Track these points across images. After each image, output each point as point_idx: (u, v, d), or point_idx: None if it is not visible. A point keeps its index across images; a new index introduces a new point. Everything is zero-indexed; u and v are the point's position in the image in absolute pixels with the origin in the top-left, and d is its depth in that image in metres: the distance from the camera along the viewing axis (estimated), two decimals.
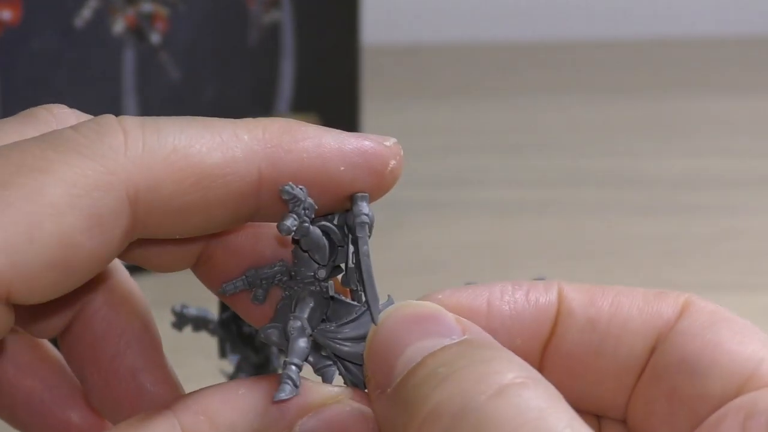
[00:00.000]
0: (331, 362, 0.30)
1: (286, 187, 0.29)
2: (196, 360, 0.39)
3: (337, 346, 0.30)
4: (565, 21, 1.39)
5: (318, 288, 0.30)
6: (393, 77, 1.22)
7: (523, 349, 0.29)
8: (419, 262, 0.75)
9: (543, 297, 0.31)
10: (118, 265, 0.35)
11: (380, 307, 0.30)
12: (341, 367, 0.30)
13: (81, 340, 0.35)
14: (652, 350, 0.30)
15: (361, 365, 0.30)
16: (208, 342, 0.47)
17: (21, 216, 0.26)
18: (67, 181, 0.27)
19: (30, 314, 0.34)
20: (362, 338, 0.30)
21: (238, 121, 0.30)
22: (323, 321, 0.30)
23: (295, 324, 0.30)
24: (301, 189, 0.29)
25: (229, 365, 0.46)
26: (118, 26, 0.74)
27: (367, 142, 0.30)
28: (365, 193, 0.30)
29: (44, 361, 0.35)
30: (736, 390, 0.28)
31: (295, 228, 0.29)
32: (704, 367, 0.29)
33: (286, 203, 0.29)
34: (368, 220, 0.30)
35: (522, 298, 0.31)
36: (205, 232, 0.31)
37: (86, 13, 0.73)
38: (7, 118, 0.32)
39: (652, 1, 1.40)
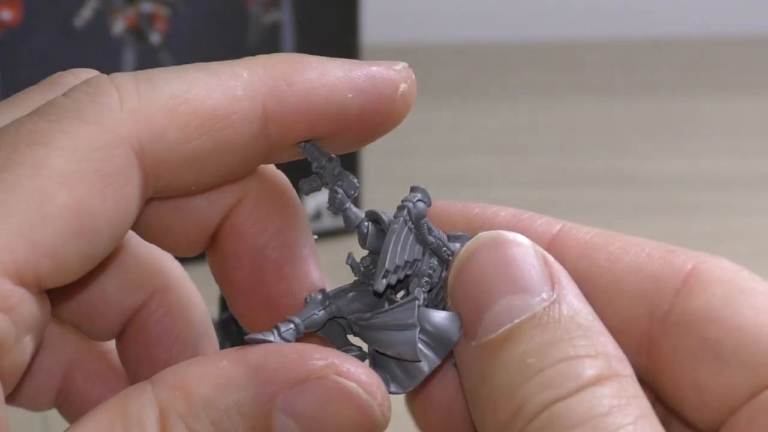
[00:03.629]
0: (357, 348, 0.30)
1: (303, 144, 0.29)
2: None
3: (367, 332, 0.30)
4: (565, 21, 1.39)
5: (362, 279, 0.30)
6: None
7: None
8: None
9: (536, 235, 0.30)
10: (174, 271, 0.35)
11: (459, 244, 0.29)
12: (371, 358, 0.30)
13: (136, 344, 0.34)
14: (650, 316, 0.29)
15: (388, 355, 0.29)
16: None
17: (29, 193, 0.26)
18: (67, 148, 0.26)
19: (86, 314, 0.34)
20: (391, 327, 0.29)
21: (236, 61, 0.29)
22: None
23: (316, 296, 0.30)
24: (321, 152, 0.29)
25: None
26: (118, 26, 0.74)
27: (374, 68, 0.30)
28: (422, 186, 0.30)
29: (111, 369, 0.35)
30: (765, 381, 0.27)
31: (311, 189, 0.30)
32: (728, 355, 0.27)
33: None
34: (410, 205, 0.30)
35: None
36: (221, 181, 0.30)
37: (86, 13, 0.73)
38: (34, 86, 0.31)
39: (652, 1, 1.40)
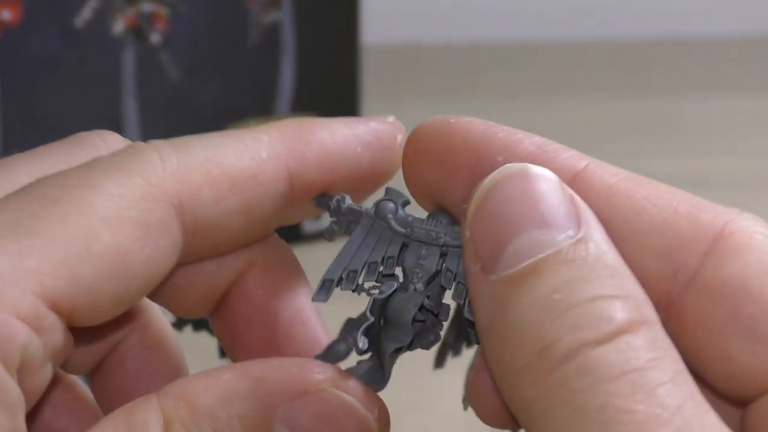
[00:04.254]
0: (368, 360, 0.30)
1: (318, 198, 0.31)
2: (196, 360, 0.40)
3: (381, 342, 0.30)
4: (565, 21, 1.39)
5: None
6: (393, 77, 1.22)
7: None
8: None
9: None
10: (153, 308, 0.35)
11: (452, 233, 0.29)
12: (376, 363, 0.30)
13: (113, 378, 0.35)
14: (673, 276, 0.27)
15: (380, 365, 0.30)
16: (208, 342, 0.47)
17: (77, 229, 0.27)
18: (114, 194, 0.28)
19: None
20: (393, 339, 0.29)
21: (252, 129, 0.31)
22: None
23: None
24: (332, 198, 0.31)
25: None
26: (118, 26, 0.74)
27: (373, 123, 0.32)
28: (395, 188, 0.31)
29: (78, 401, 0.35)
30: None
31: (332, 236, 0.30)
32: (765, 333, 0.26)
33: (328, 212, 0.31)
34: (380, 205, 0.30)
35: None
36: (246, 241, 0.32)
37: (86, 13, 0.73)
38: (58, 142, 0.33)
39: (652, 1, 1.40)
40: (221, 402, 0.28)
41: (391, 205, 0.30)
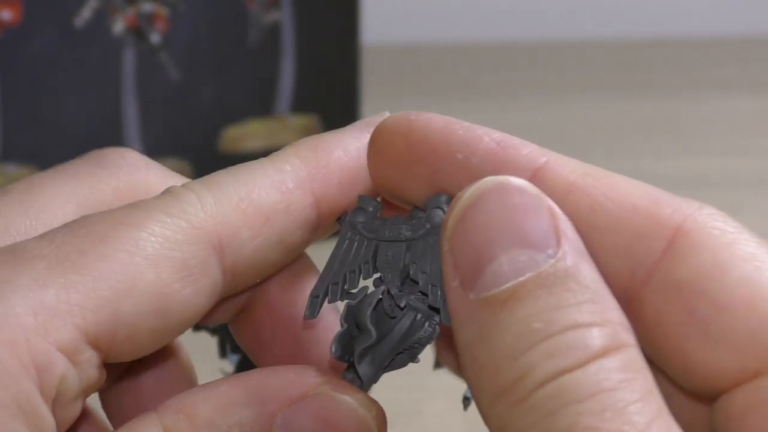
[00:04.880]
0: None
1: (341, 218, 0.31)
2: (196, 360, 0.40)
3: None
4: (565, 21, 1.39)
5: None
6: (393, 77, 1.21)
7: None
8: None
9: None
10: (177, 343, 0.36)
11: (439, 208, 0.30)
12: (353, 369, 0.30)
13: (126, 394, 0.35)
14: (632, 274, 0.28)
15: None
16: (208, 342, 0.47)
17: (122, 266, 0.28)
18: (158, 235, 0.29)
19: None
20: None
21: (271, 158, 0.32)
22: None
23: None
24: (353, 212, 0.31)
25: (228, 365, 0.46)
26: (118, 26, 0.74)
27: (374, 126, 0.32)
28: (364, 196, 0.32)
29: (92, 425, 0.36)
30: (755, 369, 0.26)
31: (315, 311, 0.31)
32: (717, 335, 0.27)
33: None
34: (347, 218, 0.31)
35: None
36: (281, 266, 0.32)
37: (86, 13, 0.73)
38: (79, 160, 0.34)
39: (653, 1, 1.40)
40: (220, 412, 0.29)
41: (362, 212, 0.31)
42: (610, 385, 0.25)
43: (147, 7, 0.75)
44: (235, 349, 0.46)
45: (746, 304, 0.26)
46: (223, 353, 0.46)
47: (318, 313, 0.30)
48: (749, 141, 1.05)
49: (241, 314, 0.34)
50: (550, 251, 0.26)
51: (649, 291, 0.28)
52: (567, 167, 0.29)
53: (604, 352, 0.25)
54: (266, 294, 0.34)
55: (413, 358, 0.30)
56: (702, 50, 1.34)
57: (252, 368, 0.45)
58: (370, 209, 0.31)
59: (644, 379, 0.25)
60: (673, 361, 0.28)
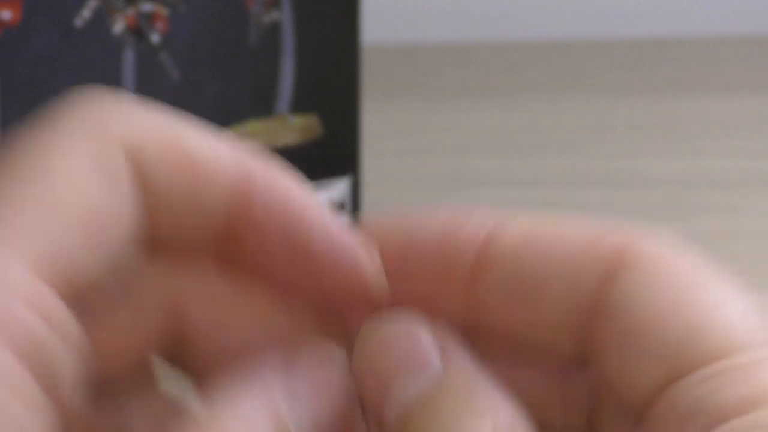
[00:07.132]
0: None
1: None
2: None
3: None
4: (565, 21, 1.39)
5: None
6: (393, 77, 1.21)
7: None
8: None
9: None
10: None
11: None
12: None
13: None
14: (578, 310, 0.28)
15: None
16: None
17: (44, 191, 0.28)
18: (70, 151, 0.30)
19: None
20: None
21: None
22: None
23: None
24: None
25: None
26: (118, 26, 0.74)
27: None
28: None
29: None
30: (670, 375, 0.26)
31: None
32: (639, 349, 0.27)
33: None
34: None
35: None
36: (202, 214, 0.31)
37: (86, 13, 0.73)
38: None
39: (653, 1, 1.40)
40: None
41: None
42: None
43: (147, 7, 0.75)
44: None
45: (662, 313, 0.27)
46: None
47: None
48: (749, 141, 1.05)
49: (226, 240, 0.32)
50: (433, 371, 0.27)
51: (594, 320, 0.28)
52: (512, 230, 0.29)
53: None
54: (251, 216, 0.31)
55: None
56: (702, 50, 1.34)
57: None
58: None
59: None
60: (618, 384, 0.27)
